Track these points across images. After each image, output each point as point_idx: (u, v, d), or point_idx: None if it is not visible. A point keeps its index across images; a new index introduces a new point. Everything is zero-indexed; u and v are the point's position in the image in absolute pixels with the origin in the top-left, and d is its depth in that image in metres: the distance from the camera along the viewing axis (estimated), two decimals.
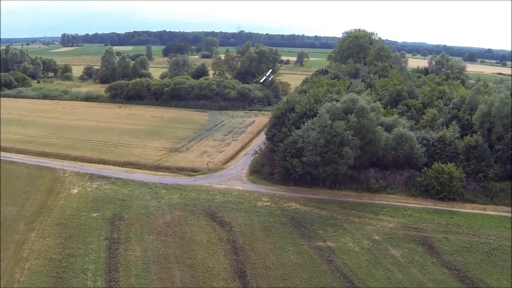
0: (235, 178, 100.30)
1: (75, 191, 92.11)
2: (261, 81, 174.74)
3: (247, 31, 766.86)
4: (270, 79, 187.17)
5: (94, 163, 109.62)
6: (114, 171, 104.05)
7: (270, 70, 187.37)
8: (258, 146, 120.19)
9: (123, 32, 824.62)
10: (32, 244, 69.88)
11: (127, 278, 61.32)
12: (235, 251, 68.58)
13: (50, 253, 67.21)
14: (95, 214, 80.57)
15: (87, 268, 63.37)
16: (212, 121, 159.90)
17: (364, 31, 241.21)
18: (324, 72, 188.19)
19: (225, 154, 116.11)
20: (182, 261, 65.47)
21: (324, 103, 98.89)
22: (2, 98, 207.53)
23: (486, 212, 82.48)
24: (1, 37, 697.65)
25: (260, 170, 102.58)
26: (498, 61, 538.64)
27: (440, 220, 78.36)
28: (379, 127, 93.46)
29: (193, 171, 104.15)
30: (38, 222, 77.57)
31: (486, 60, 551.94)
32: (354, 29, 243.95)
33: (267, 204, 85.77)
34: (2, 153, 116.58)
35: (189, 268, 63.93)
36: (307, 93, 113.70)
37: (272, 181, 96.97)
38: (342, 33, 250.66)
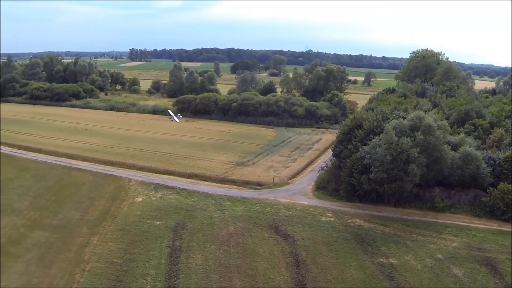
0: (300, 193, 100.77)
1: (140, 199, 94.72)
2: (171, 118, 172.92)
3: (315, 50, 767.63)
4: (179, 116, 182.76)
5: (160, 174, 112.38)
6: (179, 182, 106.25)
7: (178, 114, 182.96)
8: (325, 162, 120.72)
9: (191, 49, 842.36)
10: (94, 248, 72.43)
11: (186, 285, 62.65)
12: (297, 264, 68.88)
13: (111, 257, 69.46)
14: (158, 222, 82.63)
15: (147, 274, 65.08)
16: (279, 137, 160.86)
17: (432, 51, 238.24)
18: (391, 91, 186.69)
19: (291, 170, 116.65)
20: (243, 272, 66.26)
21: (391, 120, 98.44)
22: (70, 108, 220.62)
23: None
24: (71, 51, 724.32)
25: (326, 186, 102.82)
26: None
27: (504, 241, 76.28)
28: (445, 145, 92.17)
29: (258, 185, 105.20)
30: (101, 227, 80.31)
31: None
32: (422, 49, 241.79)
33: (331, 219, 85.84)
34: (69, 160, 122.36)
35: (249, 278, 64.69)
36: (374, 110, 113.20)
37: (337, 197, 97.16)
38: (410, 53, 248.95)
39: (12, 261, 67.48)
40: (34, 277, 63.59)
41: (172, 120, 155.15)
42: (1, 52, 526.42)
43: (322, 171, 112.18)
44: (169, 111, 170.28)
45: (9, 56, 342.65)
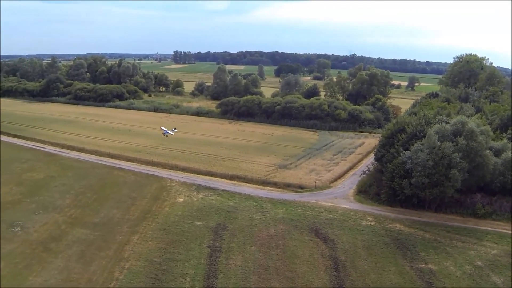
0: (341, 197, 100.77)
1: (181, 199, 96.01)
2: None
3: (359, 54, 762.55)
4: (174, 130, 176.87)
5: (202, 175, 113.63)
6: (221, 183, 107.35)
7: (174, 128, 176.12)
8: (367, 166, 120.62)
9: (235, 52, 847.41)
10: (134, 246, 73.81)
11: (225, 286, 63.31)
12: (336, 267, 68.99)
13: (151, 256, 70.67)
14: (199, 223, 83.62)
15: (186, 273, 65.99)
16: (322, 140, 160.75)
17: (476, 56, 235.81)
18: (435, 95, 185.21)
19: (333, 173, 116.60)
20: (282, 274, 66.59)
21: (433, 124, 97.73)
22: (113, 109, 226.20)
23: None
24: (115, 53, 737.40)
25: (367, 190, 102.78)
26: None
27: None
28: (487, 151, 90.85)
29: (300, 188, 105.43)
30: (142, 226, 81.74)
31: None
32: (465, 54, 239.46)
33: (371, 223, 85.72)
34: (111, 160, 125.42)
35: (288, 280, 64.98)
36: (417, 115, 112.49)
37: (378, 202, 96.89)
38: (454, 58, 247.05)
39: (52, 257, 69.44)
40: (73, 273, 65.17)
41: (167, 136, 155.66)
42: (45, 53, 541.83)
43: (364, 175, 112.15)
44: (162, 127, 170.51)
45: (54, 57, 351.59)
